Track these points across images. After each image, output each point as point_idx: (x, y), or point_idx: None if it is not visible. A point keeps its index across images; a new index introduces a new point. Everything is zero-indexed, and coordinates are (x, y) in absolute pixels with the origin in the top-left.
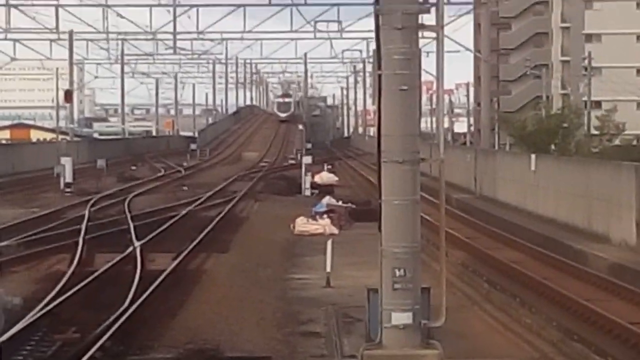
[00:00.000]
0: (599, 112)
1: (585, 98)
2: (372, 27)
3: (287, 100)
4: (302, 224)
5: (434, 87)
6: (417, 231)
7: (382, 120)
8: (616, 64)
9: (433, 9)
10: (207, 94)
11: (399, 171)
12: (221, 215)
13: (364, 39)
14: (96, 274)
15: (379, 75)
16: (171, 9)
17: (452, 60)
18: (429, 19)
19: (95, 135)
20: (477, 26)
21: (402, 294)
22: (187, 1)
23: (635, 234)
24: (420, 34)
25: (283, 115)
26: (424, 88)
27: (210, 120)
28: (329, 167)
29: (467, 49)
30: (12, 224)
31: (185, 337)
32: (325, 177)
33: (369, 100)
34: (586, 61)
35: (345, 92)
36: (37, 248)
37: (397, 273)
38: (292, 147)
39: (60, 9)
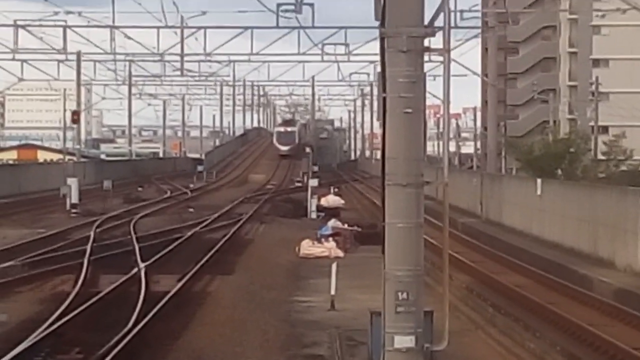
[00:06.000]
0: (606, 137)
1: (592, 123)
2: (378, 50)
3: (289, 129)
4: (308, 247)
5: (441, 111)
6: (421, 254)
7: (386, 143)
8: (624, 89)
9: (440, 33)
10: (214, 116)
11: (402, 194)
12: (227, 238)
13: (371, 62)
14: (100, 294)
15: (384, 98)
16: (178, 30)
17: (460, 84)
18: (436, 42)
19: (102, 156)
20: (484, 50)
21: (405, 317)
22: (195, 23)
23: None
24: (427, 58)
25: (284, 148)
26: (431, 112)
27: (218, 142)
28: (336, 190)
29: (475, 73)
30: (18, 244)
31: (188, 359)
32: (331, 200)
33: (376, 124)
34: (594, 86)
35: (352, 115)
36: (42, 268)
37: (400, 296)
38: (298, 170)
39: (67, 30)
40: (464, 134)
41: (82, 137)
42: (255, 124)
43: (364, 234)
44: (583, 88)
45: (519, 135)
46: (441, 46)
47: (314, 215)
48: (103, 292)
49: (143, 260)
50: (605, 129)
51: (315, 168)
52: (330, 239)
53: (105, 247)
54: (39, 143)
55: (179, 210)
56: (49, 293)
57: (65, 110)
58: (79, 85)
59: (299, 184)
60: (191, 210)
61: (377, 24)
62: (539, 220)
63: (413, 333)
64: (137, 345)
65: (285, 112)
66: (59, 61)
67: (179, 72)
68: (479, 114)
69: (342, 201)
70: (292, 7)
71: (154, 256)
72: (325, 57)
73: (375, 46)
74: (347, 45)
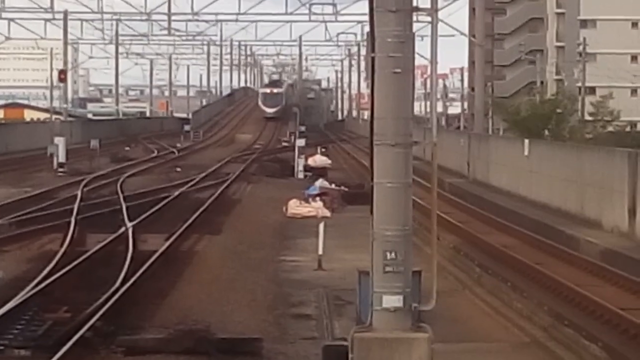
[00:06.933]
0: (593, 98)
1: (579, 84)
2: (367, 10)
3: (275, 91)
4: (295, 207)
5: (428, 71)
6: (409, 214)
7: (375, 102)
8: (611, 50)
9: None
10: (201, 76)
11: (391, 154)
12: (214, 197)
13: (358, 22)
14: (88, 254)
15: (373, 58)
16: None
17: (447, 45)
18: (424, 2)
19: (89, 115)
20: (471, 10)
21: (393, 276)
22: None
23: (627, 220)
24: (414, 17)
25: (270, 110)
26: (418, 72)
27: (204, 102)
28: (323, 150)
29: (462, 34)
30: (5, 203)
31: (176, 318)
32: (318, 159)
33: (363, 84)
34: (581, 47)
35: (339, 75)
36: (29, 227)
37: (388, 256)
38: (285, 130)
39: None
40: (451, 95)
41: (69, 96)
42: (242, 84)
43: (351, 194)
44: (570, 49)
45: (506, 96)
46: (429, 6)
47: (301, 175)
48: (91, 251)
49: (130, 220)
50: (592, 90)
51: (303, 128)
52: (318, 198)
53: (93, 206)
54: (25, 102)
55: (166, 169)
56: (36, 252)
57: (52, 69)
58: (65, 44)
59: (286, 144)
60: (178, 169)
61: None
62: (527, 180)
63: (401, 293)
64: (125, 304)
65: (273, 72)
66: (46, 20)
67: (166, 32)
68: (466, 74)
69: (329, 161)
70: None
71: (142, 215)
72: (313, 17)
73: (363, 6)
74: (334, 5)
